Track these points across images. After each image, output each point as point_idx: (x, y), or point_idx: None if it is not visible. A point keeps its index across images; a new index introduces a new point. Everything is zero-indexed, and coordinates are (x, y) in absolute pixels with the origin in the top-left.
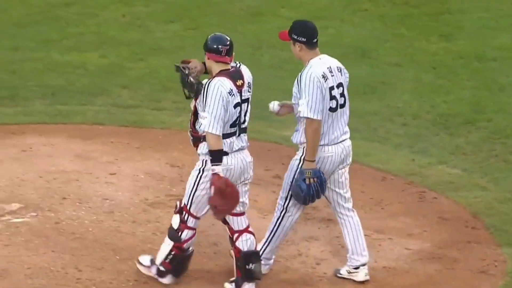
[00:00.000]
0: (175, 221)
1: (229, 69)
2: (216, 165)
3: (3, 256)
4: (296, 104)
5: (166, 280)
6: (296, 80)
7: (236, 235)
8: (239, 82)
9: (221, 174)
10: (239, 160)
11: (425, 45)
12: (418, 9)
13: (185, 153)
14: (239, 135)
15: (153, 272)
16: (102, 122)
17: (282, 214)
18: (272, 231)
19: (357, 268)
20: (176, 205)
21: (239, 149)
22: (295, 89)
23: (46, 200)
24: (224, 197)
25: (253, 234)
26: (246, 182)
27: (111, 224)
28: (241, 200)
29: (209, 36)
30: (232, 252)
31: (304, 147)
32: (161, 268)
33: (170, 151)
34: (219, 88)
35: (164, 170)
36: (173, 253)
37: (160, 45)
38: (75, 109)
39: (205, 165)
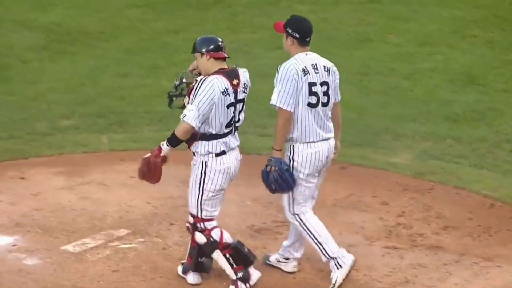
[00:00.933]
0: (200, 238)
1: (226, 68)
2: (168, 146)
3: (112, 281)
4: None
5: (254, 277)
6: (277, 70)
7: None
8: (235, 82)
9: (164, 154)
10: (234, 158)
11: None
12: None
13: None
14: (234, 133)
15: (240, 286)
16: None
17: (298, 219)
18: (310, 237)
19: (287, 259)
20: (188, 227)
21: (235, 147)
22: (275, 80)
23: (153, 226)
24: (149, 170)
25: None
26: (234, 177)
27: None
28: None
29: (198, 39)
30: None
31: (291, 145)
32: (240, 275)
33: None
34: (213, 86)
35: (270, 196)
36: (227, 256)
37: (266, 72)
38: None
39: (205, 167)
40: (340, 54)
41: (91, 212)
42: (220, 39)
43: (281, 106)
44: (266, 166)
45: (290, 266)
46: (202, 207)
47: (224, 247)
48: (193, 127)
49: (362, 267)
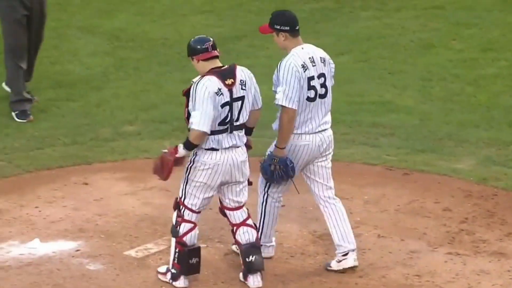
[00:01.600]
0: (174, 217)
1: (220, 67)
2: (184, 149)
3: (174, 287)
4: (274, 91)
5: (180, 283)
6: (276, 67)
7: (234, 228)
8: (228, 81)
9: (179, 156)
10: (228, 157)
11: None
12: None
13: (354, 185)
14: (231, 132)
15: (168, 277)
16: None
17: (265, 198)
18: (260, 218)
19: (346, 254)
20: (174, 201)
21: (230, 147)
22: (274, 77)
23: (215, 231)
24: (162, 165)
25: (252, 227)
26: (241, 180)
27: (280, 256)
28: (235, 199)
29: (188, 43)
30: (233, 247)
31: None
32: (173, 271)
33: (339, 183)
34: (206, 88)
35: None
36: (177, 250)
37: None
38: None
39: (195, 156)
40: (403, 60)
41: (153, 217)
42: (207, 39)
43: (287, 105)
44: (268, 163)
45: (351, 260)
46: (185, 194)
47: (179, 242)
48: (205, 132)
49: (425, 273)
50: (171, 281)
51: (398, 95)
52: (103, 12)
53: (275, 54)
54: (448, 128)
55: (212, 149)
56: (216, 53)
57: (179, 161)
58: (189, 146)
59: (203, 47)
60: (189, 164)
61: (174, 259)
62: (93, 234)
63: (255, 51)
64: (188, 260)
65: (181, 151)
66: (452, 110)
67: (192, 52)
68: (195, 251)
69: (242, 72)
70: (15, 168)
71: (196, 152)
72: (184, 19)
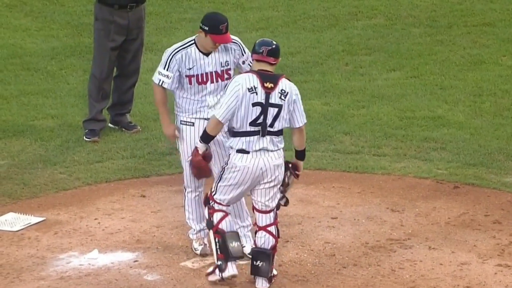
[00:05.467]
0: (206, 212)
1: (267, 71)
2: (201, 142)
3: None
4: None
5: (229, 271)
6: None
7: (256, 229)
8: (268, 85)
9: (200, 151)
10: (260, 160)
11: None
12: None
13: (406, 198)
14: (263, 135)
15: (217, 274)
16: (324, 168)
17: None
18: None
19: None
20: (203, 197)
21: (260, 149)
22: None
23: None
24: (198, 169)
25: (272, 234)
26: (272, 184)
27: (333, 267)
28: (265, 202)
29: (257, 41)
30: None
31: None
32: (219, 263)
33: (391, 196)
34: (240, 82)
35: (384, 215)
36: (217, 240)
37: (382, 93)
38: None
39: (228, 159)
40: (454, 75)
41: None
42: (268, 44)
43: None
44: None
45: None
46: (216, 189)
47: (216, 231)
48: (220, 122)
49: (474, 284)
50: (220, 274)
51: (449, 110)
52: (161, 29)
53: (328, 71)
54: (498, 143)
55: (243, 151)
56: (268, 59)
57: (207, 156)
58: (205, 137)
59: (260, 50)
60: (224, 164)
61: (216, 251)
62: (150, 245)
63: (308, 67)
64: (229, 245)
65: (200, 145)
66: (502, 125)
67: (252, 49)
68: (234, 234)
69: (287, 84)
70: (75, 181)
71: (229, 154)
72: (240, 36)
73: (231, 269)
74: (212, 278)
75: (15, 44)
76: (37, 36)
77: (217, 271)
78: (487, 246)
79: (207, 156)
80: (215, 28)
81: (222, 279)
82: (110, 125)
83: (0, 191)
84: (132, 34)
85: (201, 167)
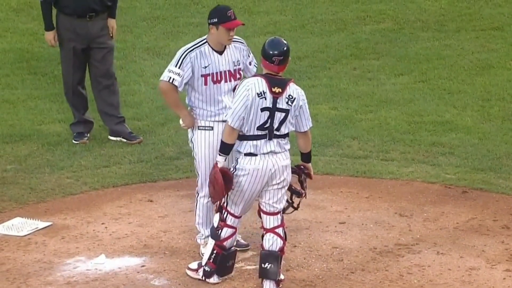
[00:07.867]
0: (216, 219)
1: (274, 75)
2: (221, 155)
3: None
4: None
5: (214, 279)
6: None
7: (263, 232)
8: (276, 89)
9: (220, 165)
10: (268, 162)
11: None
12: None
13: (414, 203)
14: (270, 138)
15: (200, 274)
16: (332, 172)
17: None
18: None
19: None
20: (217, 204)
21: (269, 152)
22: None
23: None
24: (213, 187)
25: (280, 236)
26: (280, 186)
27: (341, 272)
28: (273, 204)
29: (266, 41)
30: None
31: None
32: (206, 268)
33: (399, 201)
34: (249, 87)
35: (392, 220)
36: (215, 252)
37: (390, 97)
38: None
39: (236, 163)
40: (462, 80)
41: None
42: (278, 47)
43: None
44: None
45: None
46: (228, 199)
47: (219, 246)
48: (233, 128)
49: None
50: (203, 277)
51: (457, 114)
52: (169, 33)
53: (336, 75)
54: (507, 147)
55: (251, 154)
56: (279, 68)
57: (227, 176)
58: (224, 148)
59: (272, 59)
60: (233, 169)
61: (210, 258)
62: (157, 250)
63: (316, 71)
64: (225, 263)
65: (220, 158)
66: (510, 130)
67: (261, 52)
68: (233, 254)
69: (294, 89)
70: (82, 185)
71: (237, 159)
72: (248, 40)
73: (216, 278)
74: (192, 274)
75: (22, 49)
76: (44, 40)
77: (200, 272)
78: (496, 251)
79: (227, 176)
80: (224, 16)
81: (204, 280)
82: (110, 137)
83: (7, 196)
84: (95, 42)
85: (217, 185)
